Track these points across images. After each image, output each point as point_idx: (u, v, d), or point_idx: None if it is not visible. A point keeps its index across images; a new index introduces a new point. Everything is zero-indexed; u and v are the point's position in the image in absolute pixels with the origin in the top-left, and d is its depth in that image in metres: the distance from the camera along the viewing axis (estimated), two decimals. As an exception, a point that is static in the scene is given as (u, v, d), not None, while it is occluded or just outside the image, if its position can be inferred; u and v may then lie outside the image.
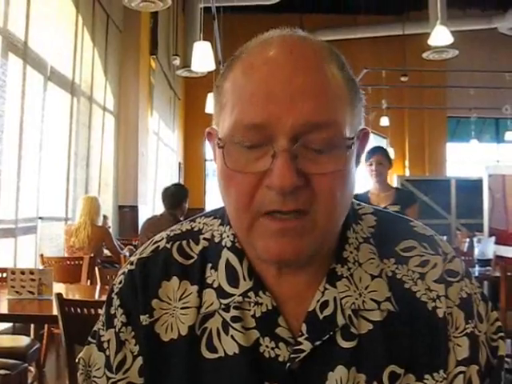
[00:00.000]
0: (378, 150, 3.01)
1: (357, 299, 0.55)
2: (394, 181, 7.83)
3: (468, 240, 5.57)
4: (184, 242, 0.61)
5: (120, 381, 0.58)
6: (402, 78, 8.79)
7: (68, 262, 3.32)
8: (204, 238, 0.61)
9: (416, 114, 10.48)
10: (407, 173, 10.59)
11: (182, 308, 0.58)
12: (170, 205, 3.50)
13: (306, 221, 0.51)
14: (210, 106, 6.11)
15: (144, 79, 6.63)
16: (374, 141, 9.34)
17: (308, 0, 9.32)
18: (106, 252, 3.94)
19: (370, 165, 2.93)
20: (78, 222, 3.71)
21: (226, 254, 0.59)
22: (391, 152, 8.75)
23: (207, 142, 0.59)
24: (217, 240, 0.60)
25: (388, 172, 3.06)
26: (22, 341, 2.48)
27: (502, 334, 0.59)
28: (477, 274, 3.61)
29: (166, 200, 3.53)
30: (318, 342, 0.54)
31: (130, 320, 0.59)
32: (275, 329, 0.55)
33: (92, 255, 3.31)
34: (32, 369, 2.79)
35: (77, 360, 0.64)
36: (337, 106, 0.51)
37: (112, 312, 0.60)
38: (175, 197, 3.52)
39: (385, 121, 9.15)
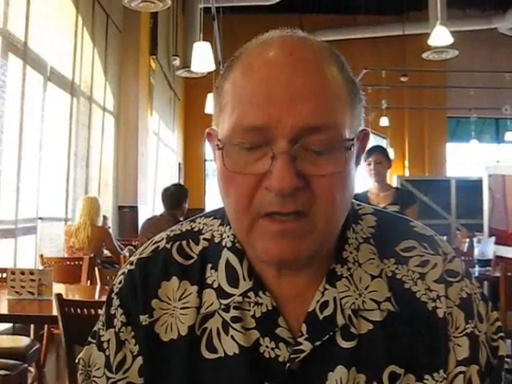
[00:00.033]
0: (377, 150, 2.97)
1: (357, 299, 0.55)
2: (393, 181, 7.83)
3: (468, 240, 5.57)
4: (184, 243, 0.61)
5: (120, 381, 0.58)
6: (402, 79, 8.79)
7: (68, 263, 3.31)
8: (204, 239, 0.61)
9: (416, 114, 10.49)
10: (407, 173, 10.60)
11: (181, 308, 0.58)
12: (169, 205, 3.50)
13: (306, 222, 0.51)
14: (209, 106, 6.12)
15: (144, 79, 6.63)
16: (373, 141, 9.34)
17: (308, 0, 9.33)
18: (106, 252, 3.94)
19: (369, 164, 2.89)
20: (78, 222, 3.71)
21: (226, 254, 0.59)
22: (391, 152, 8.77)
23: (207, 143, 0.59)
24: (217, 240, 0.60)
25: (387, 171, 3.04)
26: (22, 341, 2.48)
27: (502, 334, 0.59)
28: (477, 274, 3.62)
29: (165, 200, 3.53)
30: (317, 343, 0.54)
31: (129, 320, 0.59)
32: (275, 329, 0.55)
33: (92, 255, 3.31)
34: (32, 369, 2.79)
35: (77, 360, 0.64)
36: (336, 107, 0.51)
37: (112, 312, 0.60)
38: (175, 197, 3.52)
39: (384, 121, 9.15)
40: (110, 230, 4.40)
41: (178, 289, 0.59)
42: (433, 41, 5.07)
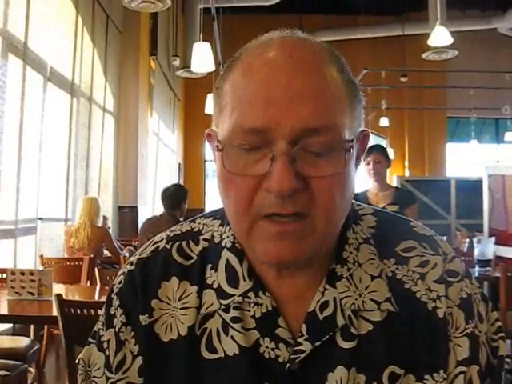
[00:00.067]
0: (376, 149, 2.92)
1: (357, 299, 0.55)
2: (393, 181, 7.83)
3: (468, 240, 5.57)
4: (184, 243, 0.61)
5: (119, 381, 0.58)
6: (402, 79, 8.80)
7: (68, 263, 3.31)
8: (204, 239, 0.61)
9: (416, 114, 10.49)
10: (407, 173, 10.60)
11: (181, 308, 0.58)
12: (169, 205, 3.50)
13: (305, 224, 0.51)
14: (209, 106, 6.12)
15: (144, 80, 6.63)
16: (373, 141, 9.33)
17: (308, 1, 9.33)
18: (106, 253, 3.94)
19: (368, 164, 2.85)
20: (78, 222, 3.71)
21: (226, 255, 0.59)
22: (391, 152, 8.77)
23: (207, 143, 0.59)
24: (217, 241, 0.60)
25: (387, 171, 3.00)
26: (22, 342, 2.48)
27: (502, 334, 0.59)
28: (477, 274, 3.61)
29: (165, 201, 3.53)
30: (317, 343, 0.54)
31: (129, 320, 0.59)
32: (275, 329, 0.55)
33: (92, 256, 3.31)
34: (32, 370, 2.79)
35: (76, 361, 0.64)
36: (336, 109, 0.51)
37: (112, 312, 0.60)
38: (174, 197, 3.52)
39: (384, 121, 9.15)
40: (110, 231, 4.41)
41: (177, 289, 0.59)
42: (432, 41, 5.07)
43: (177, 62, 7.65)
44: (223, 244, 0.59)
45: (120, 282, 0.61)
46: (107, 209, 5.57)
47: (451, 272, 0.58)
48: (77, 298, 2.52)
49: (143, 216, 5.76)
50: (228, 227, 0.60)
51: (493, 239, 4.49)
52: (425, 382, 0.55)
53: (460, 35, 5.89)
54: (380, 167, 2.89)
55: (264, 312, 0.56)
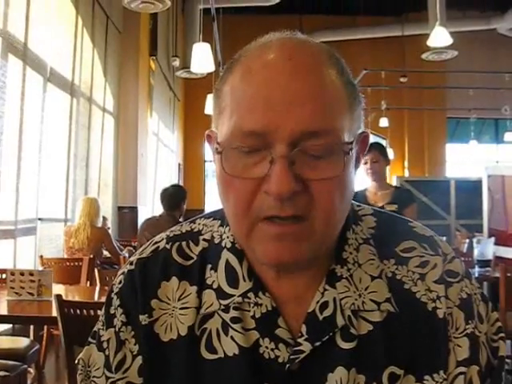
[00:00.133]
0: (374, 148, 2.83)
1: (356, 300, 0.55)
2: (393, 182, 7.83)
3: (467, 241, 5.57)
4: (184, 243, 0.62)
5: (119, 380, 0.58)
6: (402, 79, 8.80)
7: (67, 263, 3.31)
8: (204, 239, 0.61)
9: (415, 114, 10.49)
10: (407, 173, 10.60)
11: (181, 308, 0.58)
12: (168, 206, 3.51)
13: (305, 226, 0.51)
14: (209, 107, 6.12)
15: (143, 80, 6.63)
16: (373, 141, 9.33)
17: (307, 1, 9.34)
18: (106, 253, 3.94)
19: (365, 163, 2.79)
20: (78, 223, 3.71)
21: (226, 255, 0.59)
22: (390, 153, 8.77)
23: (207, 144, 0.59)
24: (216, 241, 0.61)
25: (385, 169, 2.93)
26: (22, 342, 2.47)
27: (502, 335, 0.59)
28: (476, 274, 3.61)
29: (164, 201, 3.53)
30: (317, 343, 0.54)
31: (129, 320, 0.59)
32: (275, 330, 0.55)
33: (91, 256, 3.31)
34: (31, 370, 2.79)
35: (76, 361, 0.64)
36: (335, 111, 0.51)
37: (112, 312, 0.60)
38: (174, 198, 3.52)
39: (384, 122, 9.15)
40: (110, 231, 4.40)
41: (177, 289, 0.59)
42: (432, 41, 5.07)
43: (176, 63, 7.65)
44: (223, 244, 0.60)
45: (120, 282, 0.61)
46: (107, 209, 5.57)
47: (451, 272, 0.58)
48: (76, 298, 2.52)
49: (143, 216, 5.76)
50: (228, 228, 0.60)
51: (492, 239, 4.49)
52: (425, 382, 0.55)
53: (459, 36, 5.90)
54: (378, 166, 2.85)
55: (264, 312, 0.56)
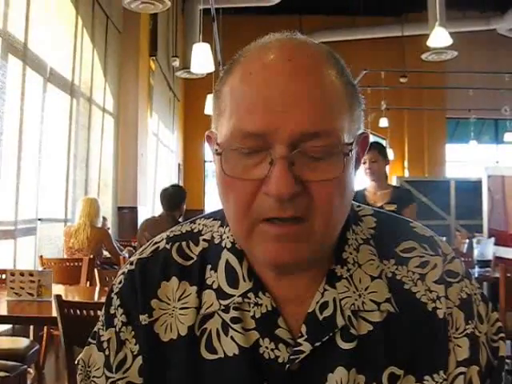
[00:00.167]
0: (372, 147, 2.78)
1: (356, 300, 0.55)
2: (393, 182, 7.83)
3: (467, 241, 5.57)
4: (184, 243, 0.62)
5: (120, 380, 0.59)
6: (401, 79, 8.80)
7: (67, 264, 3.31)
8: (204, 240, 0.62)
9: (415, 115, 10.50)
10: (406, 174, 10.60)
11: (181, 308, 0.58)
12: (168, 206, 3.51)
13: (305, 227, 0.51)
14: (209, 107, 6.12)
15: (143, 80, 6.64)
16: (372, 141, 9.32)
17: (307, 1, 9.34)
18: (106, 253, 3.93)
19: (364, 163, 2.76)
20: (78, 223, 3.71)
21: (226, 255, 0.59)
22: (390, 153, 8.77)
23: (207, 144, 0.59)
24: (217, 241, 0.61)
25: (385, 169, 2.90)
26: (22, 342, 2.47)
27: (502, 335, 0.59)
28: (476, 275, 3.61)
29: (164, 201, 3.53)
30: (317, 343, 0.54)
31: (129, 319, 0.59)
32: (275, 330, 0.55)
33: (91, 256, 3.31)
34: (31, 370, 2.79)
35: (76, 361, 0.64)
36: (335, 113, 0.51)
37: (112, 312, 0.60)
38: (173, 198, 3.52)
39: (384, 122, 9.15)
40: (110, 231, 4.40)
41: (177, 289, 0.59)
42: (432, 42, 5.07)
43: (176, 63, 7.65)
44: (223, 245, 0.60)
45: (120, 282, 0.61)
46: (107, 209, 5.57)
47: (451, 272, 0.58)
48: (76, 298, 2.51)
49: (143, 216, 5.76)
50: (228, 228, 0.60)
51: (492, 240, 4.50)
52: (424, 382, 0.55)
53: (459, 36, 5.90)
54: (377, 166, 2.82)
55: (264, 312, 0.56)
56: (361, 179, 3.01)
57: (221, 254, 0.59)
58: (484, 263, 3.92)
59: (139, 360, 0.58)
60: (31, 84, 3.74)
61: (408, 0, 8.86)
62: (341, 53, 0.57)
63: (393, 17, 9.55)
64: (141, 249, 0.64)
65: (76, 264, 3.26)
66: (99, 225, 3.82)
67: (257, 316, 0.56)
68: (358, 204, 0.63)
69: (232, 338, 0.56)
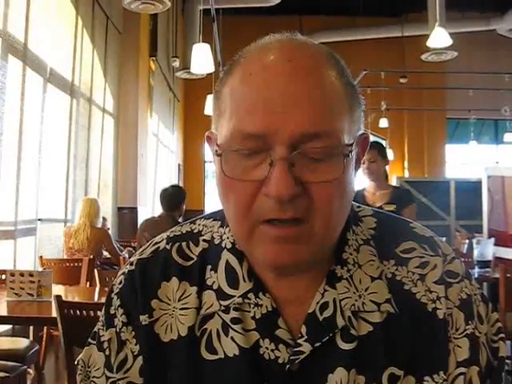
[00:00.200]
0: (371, 147, 2.60)
1: (356, 301, 0.55)
2: (393, 182, 7.83)
3: (467, 241, 5.57)
4: (184, 244, 0.62)
5: (120, 380, 0.59)
6: (401, 80, 8.80)
7: (67, 264, 3.31)
8: (204, 240, 0.62)
9: (415, 115, 10.50)
10: (406, 174, 10.60)
11: (181, 309, 0.58)
12: (167, 206, 3.51)
13: (305, 228, 0.51)
14: (209, 107, 6.12)
15: (143, 81, 6.64)
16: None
17: (307, 2, 9.34)
18: (106, 254, 3.93)
19: (363, 163, 2.76)
20: (78, 223, 3.71)
21: (226, 256, 0.59)
22: (390, 153, 8.77)
23: (207, 144, 0.59)
24: (217, 242, 0.61)
25: (383, 169, 2.87)
26: (21, 343, 2.47)
27: (502, 335, 0.59)
28: (476, 275, 3.61)
29: (164, 201, 3.53)
30: (317, 344, 0.54)
31: (130, 320, 0.59)
32: (275, 330, 0.55)
33: (91, 257, 3.31)
34: (31, 371, 2.79)
35: (76, 361, 0.64)
36: (335, 114, 0.51)
37: (112, 312, 0.60)
38: (173, 198, 3.52)
39: (384, 122, 9.15)
40: (110, 232, 4.40)
41: (177, 289, 0.59)
42: (432, 42, 5.07)
43: (176, 63, 7.65)
44: (223, 245, 0.60)
45: (120, 282, 0.61)
46: (107, 210, 5.57)
47: (451, 273, 0.58)
48: (76, 299, 2.51)
49: (143, 217, 5.76)
50: (228, 228, 0.60)
51: (492, 240, 4.50)
52: (424, 383, 0.55)
53: (459, 36, 5.90)
54: (375, 166, 2.80)
55: (264, 313, 0.56)
56: (360, 179, 2.99)
57: (221, 255, 0.59)
58: (484, 264, 3.92)
59: (140, 360, 0.58)
60: (31, 84, 3.74)
61: (408, 0, 8.87)
62: (341, 53, 0.57)
63: (393, 17, 9.55)
64: (141, 249, 0.64)
65: (76, 264, 3.25)
66: (99, 225, 3.82)
67: (257, 316, 0.56)
68: (357, 204, 0.63)
69: (232, 338, 0.56)
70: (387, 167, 2.99)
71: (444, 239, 0.66)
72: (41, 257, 3.33)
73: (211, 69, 4.86)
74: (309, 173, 0.50)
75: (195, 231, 0.63)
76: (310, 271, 0.56)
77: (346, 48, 6.13)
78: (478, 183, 5.63)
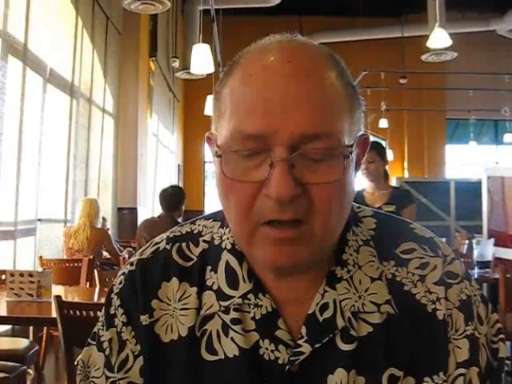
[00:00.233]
0: (370, 147, 2.76)
1: (356, 302, 0.55)
2: (392, 182, 7.83)
3: (467, 242, 5.57)
4: (184, 244, 0.62)
5: (121, 380, 0.59)
6: (401, 80, 8.81)
7: (67, 264, 3.31)
8: (204, 241, 0.62)
9: (415, 116, 10.50)
10: (406, 175, 10.61)
11: (181, 309, 0.58)
12: (167, 207, 3.51)
13: (305, 230, 0.51)
14: (209, 108, 6.12)
15: (143, 81, 6.64)
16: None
17: (307, 2, 9.34)
18: (105, 254, 3.93)
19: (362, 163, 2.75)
20: (78, 223, 3.71)
21: (226, 257, 0.59)
22: (390, 154, 8.78)
23: (206, 145, 0.59)
24: (217, 242, 0.61)
25: (382, 169, 2.84)
26: (21, 343, 2.47)
27: (502, 336, 0.59)
28: (476, 276, 3.61)
29: (163, 202, 3.53)
30: (317, 345, 0.54)
31: (130, 320, 0.59)
32: (275, 331, 0.55)
33: (91, 257, 3.31)
34: (31, 371, 2.79)
35: (76, 362, 0.64)
36: (335, 114, 0.51)
37: (112, 312, 0.60)
38: (173, 199, 3.52)
39: (384, 123, 9.15)
40: (109, 232, 4.40)
41: (177, 290, 0.59)
42: (432, 43, 5.07)
43: (176, 64, 7.65)
44: (223, 246, 0.60)
45: (120, 283, 0.61)
46: (106, 210, 5.57)
47: (451, 274, 0.58)
48: (76, 299, 2.51)
49: (142, 217, 5.75)
50: (228, 229, 0.60)
51: (492, 241, 4.50)
52: (424, 384, 0.55)
53: (459, 37, 5.90)
54: (374, 167, 2.78)
55: (264, 314, 0.56)
56: (360, 180, 2.98)
57: (221, 255, 0.59)
58: (484, 264, 3.92)
59: (140, 360, 0.58)
60: (31, 85, 3.74)
61: (408, 1, 8.87)
62: (340, 54, 0.57)
63: (392, 18, 9.55)
64: (141, 249, 0.64)
65: (76, 265, 3.25)
66: (99, 225, 3.82)
67: (257, 317, 0.56)
68: (357, 205, 0.63)
69: (232, 339, 0.56)
70: (388, 168, 2.98)
71: (444, 240, 0.66)
72: (40, 257, 3.33)
73: (211, 69, 4.86)
74: (309, 174, 0.50)
75: (195, 232, 0.63)
76: (309, 272, 0.56)
77: (345, 48, 6.13)
78: (478, 184, 5.63)
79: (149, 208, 7.04)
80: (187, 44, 7.40)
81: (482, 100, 9.44)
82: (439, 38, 4.99)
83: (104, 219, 4.45)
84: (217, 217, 0.63)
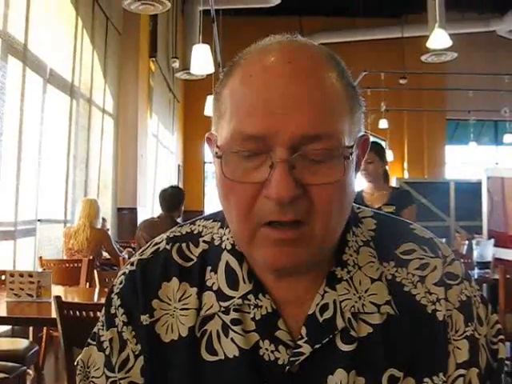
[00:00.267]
0: (369, 148, 2.72)
1: (356, 302, 0.55)
2: (392, 183, 7.82)
3: (467, 242, 5.57)
4: (184, 245, 0.62)
5: (122, 380, 0.59)
6: (401, 81, 8.81)
7: (67, 265, 3.31)
8: (204, 241, 0.62)
9: (415, 116, 10.50)
10: (406, 175, 10.61)
11: (181, 309, 0.58)
12: (167, 207, 3.51)
13: (305, 231, 0.51)
14: (209, 108, 6.12)
15: (143, 81, 6.64)
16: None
17: (307, 3, 9.35)
18: (105, 254, 3.93)
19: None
20: (77, 224, 3.71)
21: (226, 257, 0.59)
22: (390, 154, 8.78)
23: (206, 145, 0.59)
24: (217, 243, 0.61)
25: (382, 170, 2.82)
26: (21, 343, 2.47)
27: (502, 337, 0.59)
28: (476, 276, 3.61)
29: (163, 202, 3.53)
30: (317, 345, 0.54)
31: (130, 320, 0.59)
32: (275, 332, 0.55)
33: (91, 258, 3.31)
34: (31, 372, 2.79)
35: (75, 362, 0.64)
36: (336, 115, 0.51)
37: (112, 312, 0.60)
38: (173, 199, 3.52)
39: (384, 123, 9.16)
40: (109, 232, 4.40)
41: (178, 290, 0.59)
42: (432, 43, 5.08)
43: (176, 64, 7.66)
44: (223, 246, 0.60)
45: (121, 283, 0.61)
46: (106, 210, 5.57)
47: (451, 275, 0.58)
48: (76, 299, 2.51)
49: (142, 217, 5.75)
50: (228, 229, 0.60)
51: (492, 241, 4.50)
52: (424, 384, 0.55)
53: (459, 37, 5.91)
54: (372, 167, 2.76)
55: (264, 314, 0.56)
56: (359, 180, 2.96)
57: (221, 256, 0.59)
58: (483, 265, 3.92)
59: (141, 360, 0.58)
60: (31, 85, 3.74)
61: (408, 1, 8.88)
62: (340, 54, 0.57)
63: (392, 18, 9.55)
64: (141, 250, 0.64)
65: (75, 265, 3.26)
66: (99, 226, 3.82)
67: (257, 318, 0.56)
68: (357, 206, 0.63)
69: (232, 339, 0.56)
70: (387, 168, 2.97)
71: (444, 240, 0.66)
72: (40, 257, 3.33)
73: (211, 70, 4.86)
74: (309, 175, 0.50)
75: (195, 232, 0.63)
76: (309, 273, 0.56)
77: (345, 49, 6.13)
78: (478, 184, 5.63)
79: (148, 208, 7.04)
80: (187, 44, 7.40)
81: (481, 100, 9.44)
82: (439, 39, 4.99)
83: (104, 219, 4.45)
84: (217, 217, 0.63)
